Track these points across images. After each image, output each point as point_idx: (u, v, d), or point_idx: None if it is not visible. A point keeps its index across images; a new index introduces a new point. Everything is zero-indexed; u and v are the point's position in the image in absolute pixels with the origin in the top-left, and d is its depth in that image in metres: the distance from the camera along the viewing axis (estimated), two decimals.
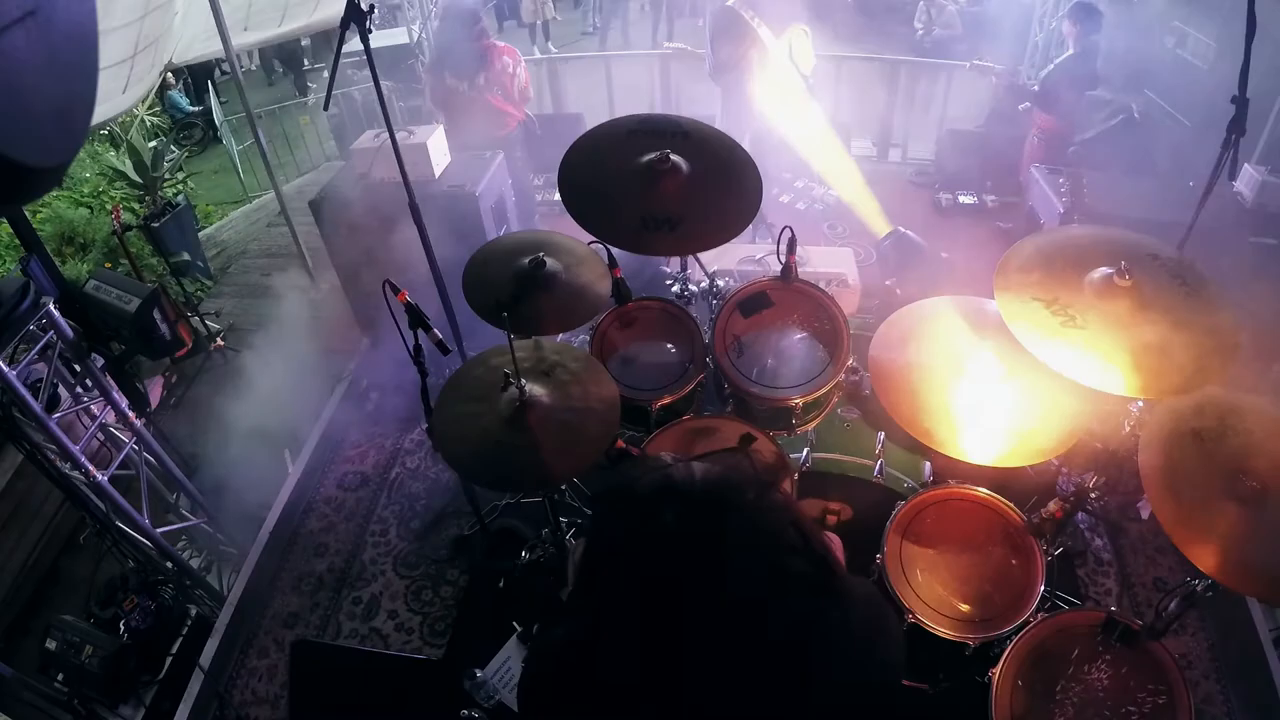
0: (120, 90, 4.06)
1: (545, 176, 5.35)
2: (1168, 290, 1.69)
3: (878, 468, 2.50)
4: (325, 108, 2.47)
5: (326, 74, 2.72)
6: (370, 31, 2.11)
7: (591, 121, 2.53)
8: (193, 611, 3.13)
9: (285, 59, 10.16)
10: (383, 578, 3.06)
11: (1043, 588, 1.86)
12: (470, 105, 4.28)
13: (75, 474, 2.71)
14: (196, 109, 8.76)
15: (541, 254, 2.20)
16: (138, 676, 2.89)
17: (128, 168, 5.68)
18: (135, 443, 2.99)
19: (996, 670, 1.75)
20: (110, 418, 2.93)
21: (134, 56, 3.98)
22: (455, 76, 4.26)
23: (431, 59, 4.50)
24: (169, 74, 7.40)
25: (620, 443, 1.96)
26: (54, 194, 6.72)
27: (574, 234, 2.31)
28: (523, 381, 1.89)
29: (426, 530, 3.19)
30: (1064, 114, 4.41)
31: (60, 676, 2.80)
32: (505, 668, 2.11)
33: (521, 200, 4.33)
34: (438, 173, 3.58)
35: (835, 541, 1.69)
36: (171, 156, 6.18)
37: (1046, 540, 1.98)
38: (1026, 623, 1.81)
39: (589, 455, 1.83)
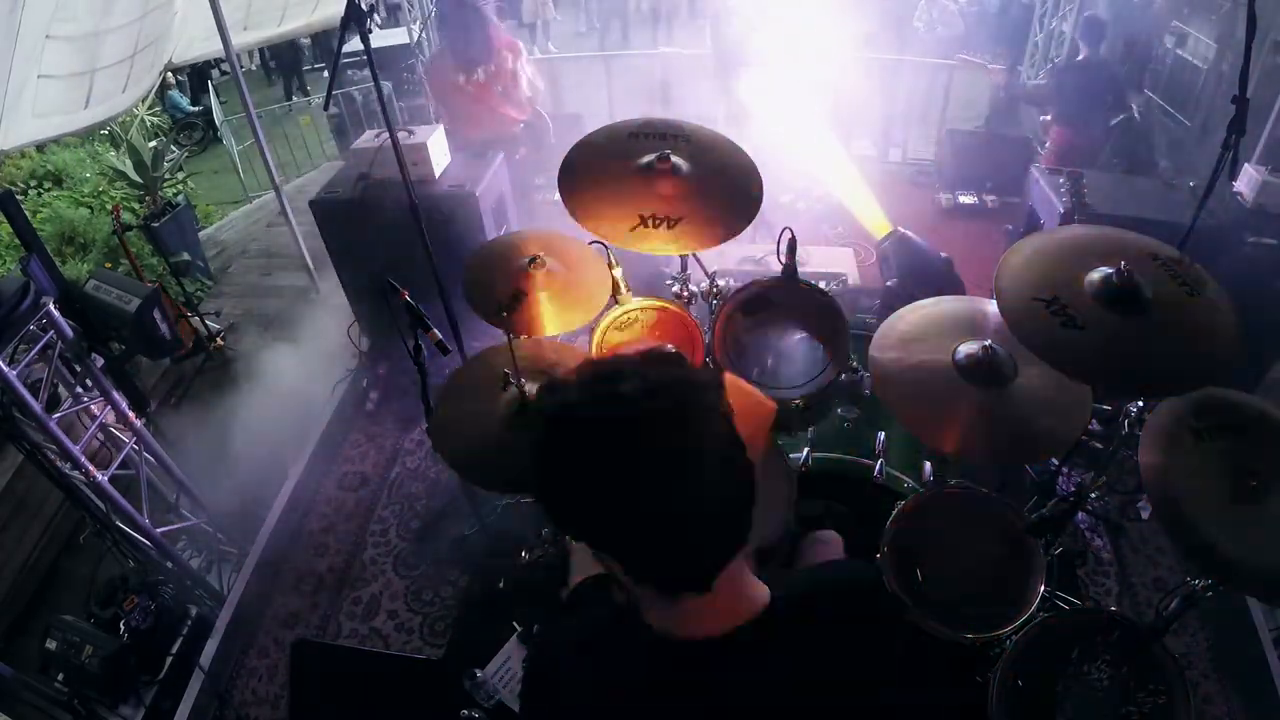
0: (120, 90, 4.06)
1: (545, 176, 5.34)
2: (1168, 290, 1.69)
3: (878, 468, 2.50)
4: (325, 108, 2.47)
5: (326, 74, 2.72)
6: (371, 31, 2.12)
7: (591, 121, 2.53)
8: (193, 611, 3.13)
9: (283, 65, 10.07)
10: (383, 578, 3.06)
11: (1043, 588, 1.86)
12: (470, 101, 4.24)
13: (75, 474, 2.71)
14: (196, 109, 8.76)
15: (541, 254, 2.20)
16: (138, 676, 2.89)
17: (128, 168, 5.67)
18: (135, 443, 2.99)
19: (996, 670, 1.75)
20: (110, 418, 2.93)
21: (134, 56, 3.98)
22: (456, 67, 4.20)
23: (435, 47, 4.43)
24: (169, 74, 7.40)
25: None
26: (54, 194, 6.73)
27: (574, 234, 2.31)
28: (522, 381, 1.90)
29: (426, 530, 3.19)
30: (1079, 124, 4.32)
31: (60, 676, 2.80)
32: (505, 668, 2.11)
33: (519, 202, 4.30)
34: (438, 173, 3.58)
35: (835, 540, 1.69)
36: (171, 156, 6.17)
37: (1046, 540, 1.98)
38: (1027, 623, 1.81)
39: None
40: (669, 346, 2.40)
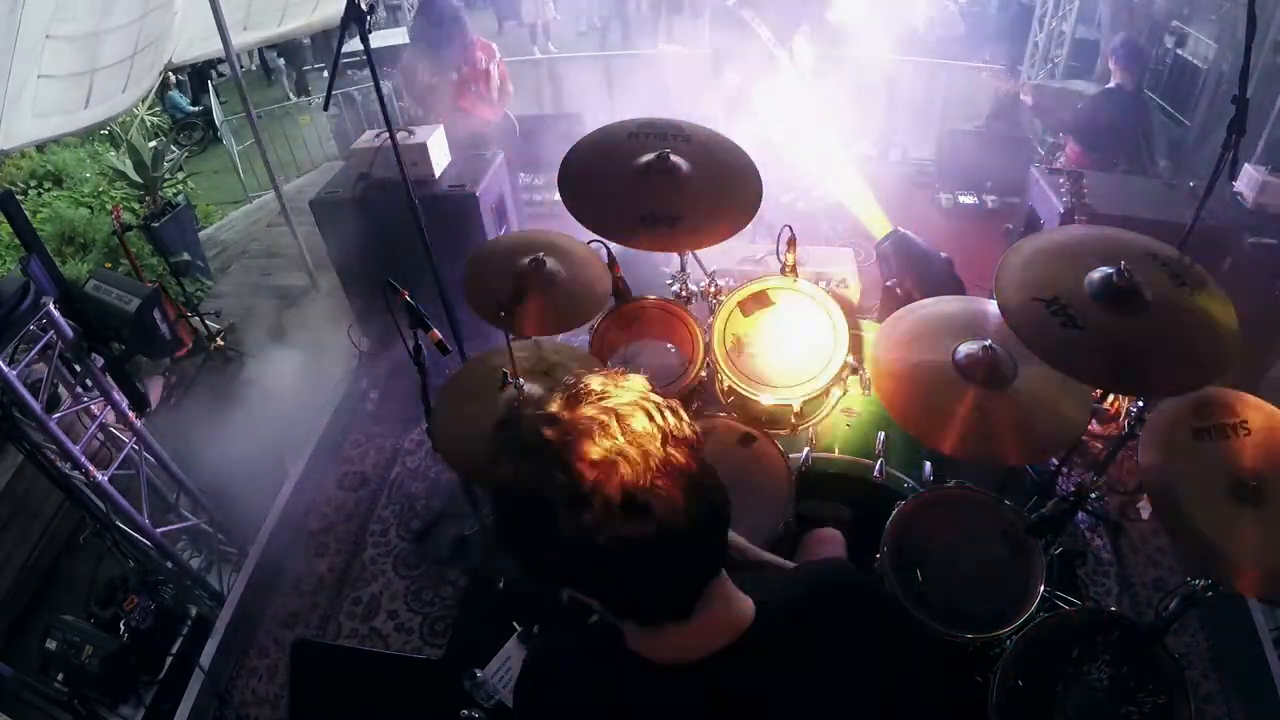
0: (120, 90, 4.06)
1: (545, 177, 5.34)
2: (1168, 290, 1.69)
3: (878, 468, 2.50)
4: (325, 108, 2.47)
5: (326, 74, 2.72)
6: (370, 31, 2.11)
7: (591, 121, 2.53)
8: (193, 611, 3.13)
9: (286, 53, 10.13)
10: (383, 578, 3.06)
11: (1043, 588, 1.86)
12: (444, 102, 4.23)
13: (75, 474, 2.71)
14: (196, 109, 8.76)
15: (541, 254, 2.20)
16: (138, 676, 2.89)
17: (128, 168, 5.67)
18: (135, 443, 2.99)
19: (996, 670, 1.75)
20: (110, 418, 2.93)
21: (133, 56, 3.98)
22: (429, 72, 4.22)
23: (407, 51, 4.47)
24: (169, 74, 7.40)
25: None
26: (54, 194, 6.73)
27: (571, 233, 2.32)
28: (521, 381, 1.90)
29: (426, 530, 3.19)
30: (1103, 154, 4.25)
31: (60, 676, 2.80)
32: (505, 668, 2.11)
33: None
34: (438, 173, 3.58)
35: (836, 537, 1.69)
36: (171, 156, 6.17)
37: (1046, 540, 1.98)
38: (1027, 623, 1.81)
39: None
40: (670, 350, 2.41)
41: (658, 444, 0.78)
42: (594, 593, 0.85)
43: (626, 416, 0.78)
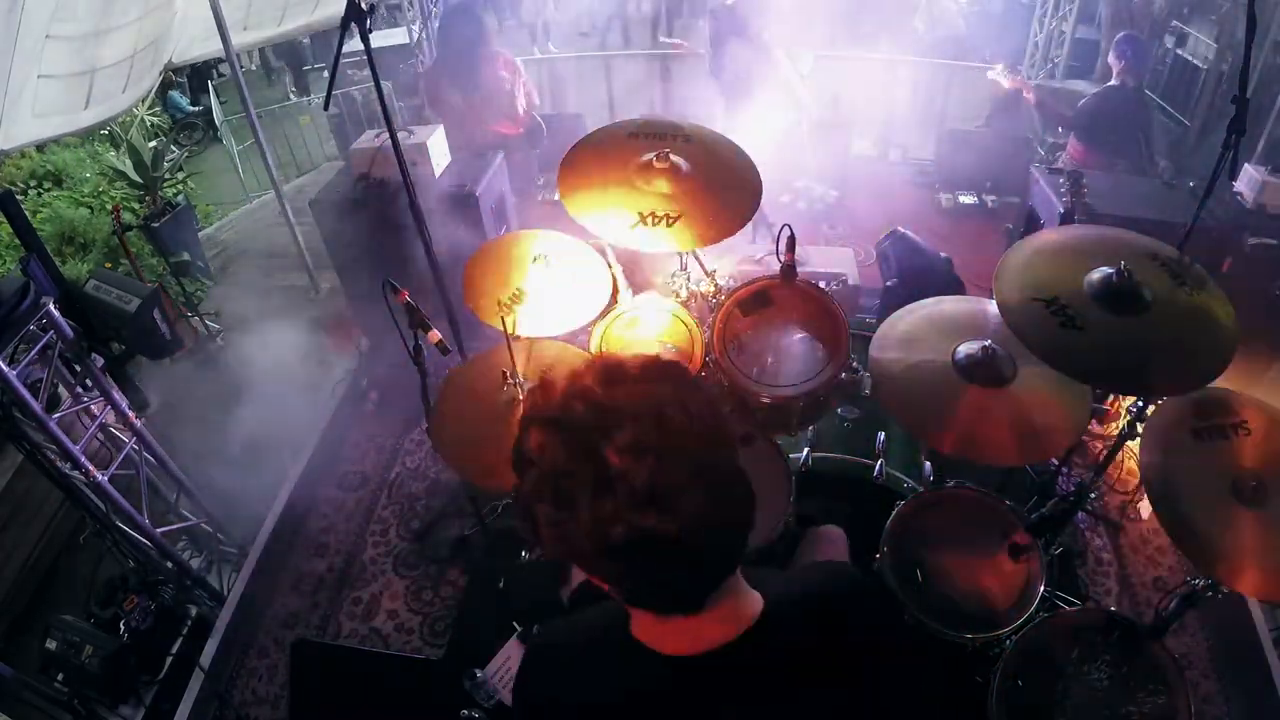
0: (120, 90, 4.06)
1: (545, 177, 5.34)
2: (1168, 290, 1.69)
3: (878, 468, 2.50)
4: (325, 108, 2.47)
5: (326, 74, 2.71)
6: (370, 31, 2.11)
7: (591, 121, 2.53)
8: (193, 611, 3.13)
9: (286, 55, 10.14)
10: (383, 578, 3.06)
11: (1043, 588, 1.86)
12: (464, 117, 4.23)
13: (75, 474, 2.70)
14: (196, 109, 8.76)
15: (541, 254, 2.21)
16: (138, 676, 2.89)
17: (128, 168, 5.67)
18: (135, 443, 2.99)
19: (996, 670, 1.75)
20: (110, 418, 2.93)
21: (133, 56, 3.98)
22: (451, 85, 4.22)
23: (432, 61, 4.46)
24: (170, 74, 7.41)
25: None
26: (54, 194, 6.74)
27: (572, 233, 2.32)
28: (521, 381, 1.90)
29: (426, 530, 3.19)
30: (1105, 151, 4.26)
31: (60, 676, 2.79)
32: (505, 668, 2.10)
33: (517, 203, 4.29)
34: (438, 173, 3.58)
35: (838, 535, 1.69)
36: (171, 156, 6.18)
37: (1046, 540, 1.98)
38: (1027, 623, 1.81)
39: None
40: (669, 350, 2.41)
41: (688, 439, 0.76)
42: (607, 578, 0.84)
43: (664, 405, 0.76)
